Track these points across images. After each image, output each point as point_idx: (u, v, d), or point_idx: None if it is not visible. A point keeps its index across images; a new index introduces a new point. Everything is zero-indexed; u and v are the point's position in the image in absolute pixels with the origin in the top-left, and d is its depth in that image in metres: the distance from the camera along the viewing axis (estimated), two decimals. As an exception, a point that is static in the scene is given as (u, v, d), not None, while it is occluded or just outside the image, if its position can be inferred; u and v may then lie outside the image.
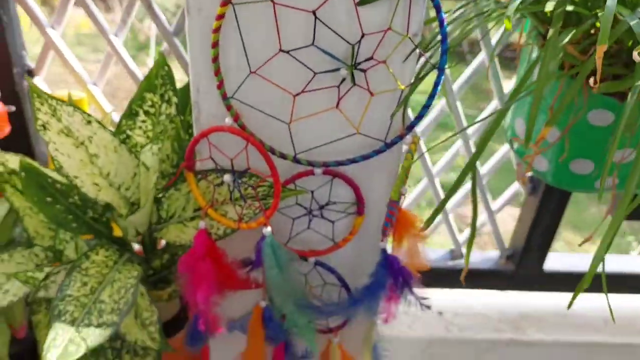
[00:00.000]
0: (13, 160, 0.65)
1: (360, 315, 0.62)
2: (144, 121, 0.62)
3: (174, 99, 0.62)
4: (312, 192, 0.58)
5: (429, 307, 0.60)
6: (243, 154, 0.54)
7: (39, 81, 0.80)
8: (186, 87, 0.66)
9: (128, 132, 0.62)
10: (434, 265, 1.09)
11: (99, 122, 0.58)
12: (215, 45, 0.48)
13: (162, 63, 0.62)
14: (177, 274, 0.66)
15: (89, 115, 0.57)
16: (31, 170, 0.57)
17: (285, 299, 0.57)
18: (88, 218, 0.60)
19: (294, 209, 0.59)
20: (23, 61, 0.78)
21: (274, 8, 0.47)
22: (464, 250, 1.05)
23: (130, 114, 0.61)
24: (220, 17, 0.47)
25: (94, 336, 0.50)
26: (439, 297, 1.13)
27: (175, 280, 0.67)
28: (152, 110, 0.62)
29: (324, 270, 0.63)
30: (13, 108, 0.69)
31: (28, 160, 0.57)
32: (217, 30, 0.47)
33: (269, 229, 0.55)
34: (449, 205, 1.03)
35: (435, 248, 1.09)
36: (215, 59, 0.49)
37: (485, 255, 1.08)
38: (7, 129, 0.66)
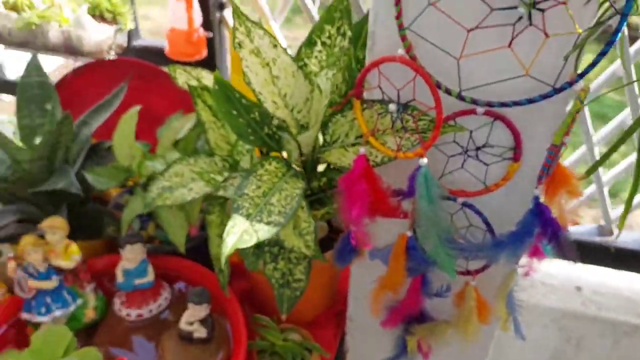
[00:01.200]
0: (207, 78, 0.75)
1: (501, 261, 0.63)
2: (320, 51, 0.67)
3: (349, 33, 0.67)
4: (471, 131, 0.60)
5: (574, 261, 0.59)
6: (409, 85, 0.57)
7: (227, 13, 0.89)
8: (360, 23, 0.70)
9: (305, 60, 0.68)
10: (580, 239, 1.04)
11: (283, 47, 0.64)
12: (401, -24, 0.51)
13: (343, -2, 0.66)
14: (334, 194, 0.72)
15: (275, 39, 0.64)
16: (223, 84, 0.66)
17: (432, 230, 0.60)
18: (264, 133, 0.68)
19: (450, 147, 0.61)
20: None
21: (462, -58, 0.48)
22: (614, 228, 0.99)
23: (309, 43, 0.67)
24: (411, -52, 0.49)
25: (264, 231, 0.57)
26: (580, 272, 1.08)
27: (328, 202, 0.73)
28: (328, 41, 0.67)
29: (471, 211, 0.65)
30: (210, 34, 0.78)
31: (220, 76, 0.66)
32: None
33: (425, 159, 0.58)
34: (605, 177, 0.98)
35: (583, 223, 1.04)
36: (399, -10, 0.52)
37: (637, 235, 1.01)
38: (204, 53, 0.76)
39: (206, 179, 0.69)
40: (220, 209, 0.77)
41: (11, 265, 0.73)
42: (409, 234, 0.65)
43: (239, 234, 0.56)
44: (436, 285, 0.71)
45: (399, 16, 0.53)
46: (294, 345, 0.76)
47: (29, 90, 0.86)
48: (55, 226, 0.72)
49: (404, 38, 0.54)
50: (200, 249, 0.83)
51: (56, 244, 0.73)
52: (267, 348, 0.77)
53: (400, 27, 0.53)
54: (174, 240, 0.79)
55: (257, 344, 0.76)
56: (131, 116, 0.80)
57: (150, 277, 0.77)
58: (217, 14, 0.88)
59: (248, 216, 0.58)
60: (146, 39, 1.01)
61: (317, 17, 0.87)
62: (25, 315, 0.75)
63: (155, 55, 0.95)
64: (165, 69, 0.97)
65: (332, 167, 0.71)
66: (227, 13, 0.90)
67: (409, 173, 0.61)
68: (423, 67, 0.55)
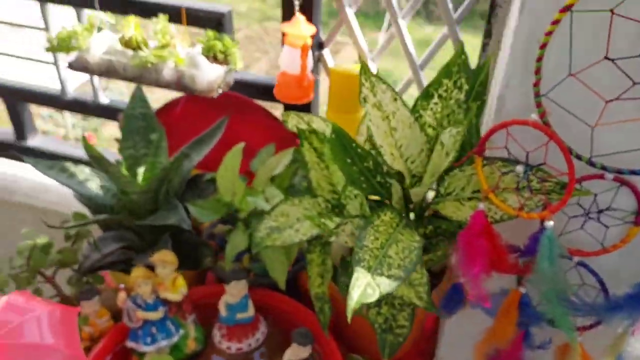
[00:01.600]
0: (317, 122, 0.77)
1: (614, 322, 0.63)
2: (436, 103, 0.68)
3: (465, 86, 0.68)
4: (596, 195, 0.60)
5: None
6: (538, 147, 0.57)
7: (326, 52, 0.91)
8: (474, 75, 0.70)
9: (421, 111, 0.69)
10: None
11: (402, 100, 0.65)
12: (543, 46, 0.51)
13: (461, 52, 0.67)
14: (439, 241, 0.73)
15: (396, 93, 0.65)
16: (340, 134, 0.67)
17: (550, 289, 0.60)
18: (375, 181, 0.69)
19: (572, 208, 0.61)
20: (318, 34, 0.89)
21: (611, 18, 0.49)
22: None
23: (426, 95, 0.68)
24: (556, 22, 0.50)
25: (385, 285, 0.58)
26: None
27: (433, 249, 0.73)
28: (444, 94, 0.68)
29: (585, 271, 0.65)
30: (317, 77, 0.80)
31: (338, 125, 0.67)
32: (549, 33, 0.51)
33: (551, 222, 0.58)
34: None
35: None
36: (540, 59, 0.52)
37: None
38: (312, 96, 0.78)
39: (316, 223, 0.71)
40: (322, 249, 0.79)
41: (122, 296, 0.76)
42: (523, 290, 0.65)
43: (362, 287, 0.58)
44: (539, 337, 0.71)
45: (537, 84, 0.53)
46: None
47: (133, 122, 0.90)
48: (167, 260, 0.75)
49: (539, 104, 0.54)
50: (290, 282, 0.85)
51: (165, 277, 0.76)
52: (361, 388, 0.78)
53: (537, 95, 0.54)
54: (274, 277, 0.81)
55: (354, 384, 0.77)
56: (236, 153, 0.82)
57: (251, 312, 0.79)
58: (316, 52, 0.90)
59: (369, 269, 0.59)
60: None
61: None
62: (131, 344, 0.78)
63: (245, 87, 0.98)
64: (256, 102, 1.00)
65: (440, 215, 0.71)
66: (326, 52, 0.91)
67: (529, 232, 0.62)
68: (556, 133, 0.55)
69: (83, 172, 0.87)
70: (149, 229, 0.85)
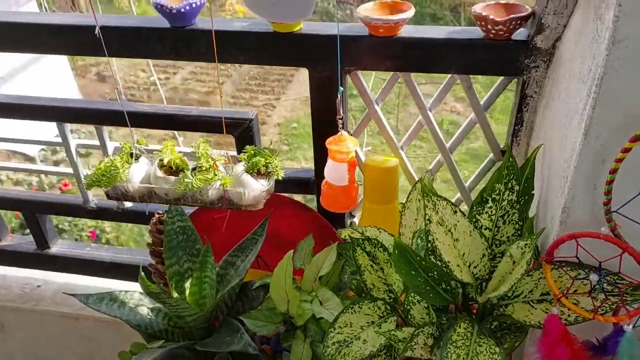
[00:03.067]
0: (370, 231, 0.78)
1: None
2: (490, 207, 0.70)
3: (516, 187, 0.69)
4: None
5: None
6: (611, 258, 0.59)
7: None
8: (523, 175, 0.72)
9: (477, 216, 0.70)
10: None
11: (460, 211, 0.67)
12: (614, 172, 0.53)
13: (509, 156, 0.69)
14: (502, 335, 0.74)
15: (455, 205, 0.67)
16: (403, 248, 0.68)
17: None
18: (440, 289, 0.70)
19: (643, 305, 0.63)
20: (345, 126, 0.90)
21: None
22: None
23: (480, 201, 0.70)
24: (627, 150, 0.52)
25: (477, 407, 0.59)
26: None
27: (498, 344, 0.75)
28: (497, 197, 0.70)
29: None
30: (360, 183, 0.81)
31: (400, 240, 0.68)
32: (620, 160, 0.53)
33: (630, 326, 0.60)
34: None
35: None
36: (610, 182, 0.54)
37: None
38: (358, 201, 0.79)
39: (387, 336, 0.71)
40: (387, 352, 0.79)
41: None
42: (601, 385, 0.67)
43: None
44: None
45: (607, 203, 0.55)
46: None
47: (174, 238, 0.90)
48: (238, 388, 0.75)
49: (609, 220, 0.56)
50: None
51: (237, 403, 0.76)
52: None
53: (608, 212, 0.56)
54: (344, 386, 0.81)
55: None
56: (287, 261, 0.83)
57: (324, 423, 0.79)
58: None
59: (459, 392, 0.60)
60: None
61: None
62: None
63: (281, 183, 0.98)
64: (287, 195, 1.00)
65: (500, 312, 0.72)
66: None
67: (599, 329, 0.63)
68: (629, 245, 0.57)
69: (133, 298, 0.87)
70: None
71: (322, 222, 0.99)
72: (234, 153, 0.96)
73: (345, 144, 0.74)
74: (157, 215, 1.05)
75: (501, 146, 0.88)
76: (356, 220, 1.05)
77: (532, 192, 0.72)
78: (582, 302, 0.63)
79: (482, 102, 0.83)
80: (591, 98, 0.52)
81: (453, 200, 0.97)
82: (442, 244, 0.66)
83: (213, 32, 0.75)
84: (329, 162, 0.76)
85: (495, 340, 0.73)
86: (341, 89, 0.73)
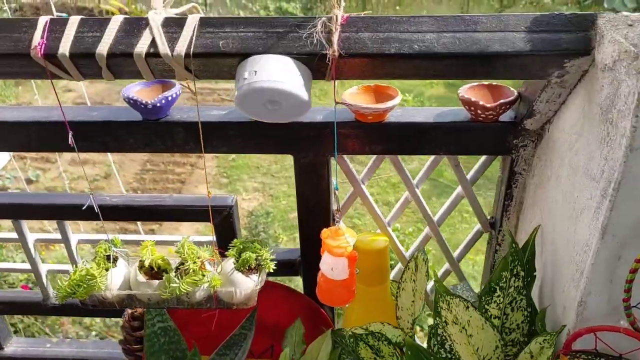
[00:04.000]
0: (374, 325, 0.75)
1: None
2: (498, 296, 0.69)
3: (522, 273, 0.69)
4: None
5: None
6: (632, 351, 0.59)
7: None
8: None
9: (486, 306, 0.69)
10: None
11: (472, 305, 0.65)
12: (634, 271, 0.53)
13: (512, 242, 0.68)
14: None
15: (466, 301, 0.65)
16: (415, 349, 0.65)
17: None
18: (454, 384, 0.68)
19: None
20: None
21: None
22: None
23: (489, 291, 0.68)
24: (644, 256, 0.52)
25: None
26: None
27: None
28: (504, 285, 0.68)
29: None
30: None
31: (412, 341, 0.66)
32: (635, 270, 0.53)
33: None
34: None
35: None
36: (630, 282, 0.54)
37: None
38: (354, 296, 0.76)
39: None
40: None
41: None
42: None
43: None
44: None
45: (627, 300, 0.55)
46: None
47: (155, 342, 0.83)
48: None
49: (629, 315, 0.56)
50: None
51: None
52: None
53: (627, 308, 0.56)
54: None
55: None
56: (283, 361, 0.78)
57: None
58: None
59: None
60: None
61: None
62: None
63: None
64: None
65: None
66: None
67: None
68: (650, 339, 0.57)
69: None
70: None
71: (311, 306, 0.95)
72: (209, 238, 0.91)
73: (343, 238, 0.71)
74: (129, 311, 0.98)
75: (488, 217, 0.88)
76: (343, 297, 1.02)
77: (534, 273, 0.72)
78: (602, 391, 0.62)
79: (468, 177, 0.83)
80: (608, 200, 0.52)
81: (441, 272, 0.96)
82: (459, 344, 0.64)
83: (200, 124, 0.70)
84: (326, 257, 0.72)
85: None
86: (335, 183, 0.71)
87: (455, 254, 0.92)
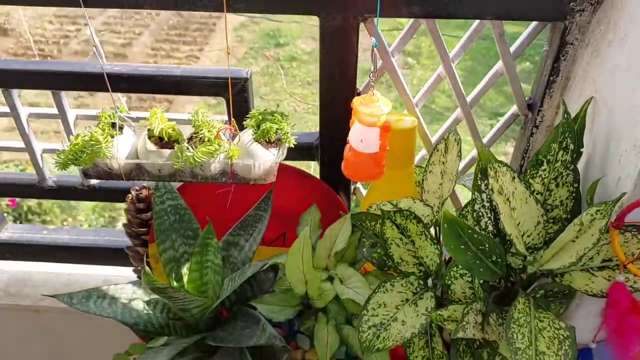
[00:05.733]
0: (404, 202, 0.70)
1: None
2: (544, 170, 0.63)
3: (571, 146, 0.63)
4: None
5: None
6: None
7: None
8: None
9: (530, 180, 0.64)
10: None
11: (519, 177, 0.60)
12: None
13: (565, 112, 0.62)
14: (548, 303, 0.69)
15: (513, 171, 0.60)
16: (453, 222, 0.61)
17: None
18: (490, 262, 0.64)
19: None
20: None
21: None
22: None
23: (535, 163, 0.63)
24: None
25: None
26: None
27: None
28: (551, 158, 0.63)
29: None
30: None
31: (451, 213, 0.61)
32: None
33: None
34: None
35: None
36: None
37: None
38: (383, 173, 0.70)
39: (433, 317, 0.65)
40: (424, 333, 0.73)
41: None
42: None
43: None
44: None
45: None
46: None
47: (165, 219, 0.78)
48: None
49: (700, 181, 0.51)
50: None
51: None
52: None
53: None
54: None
55: None
56: (303, 240, 0.73)
57: (355, 412, 0.72)
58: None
59: (533, 376, 0.55)
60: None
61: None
62: None
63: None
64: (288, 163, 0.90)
65: (550, 276, 0.67)
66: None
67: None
68: None
69: (124, 292, 0.75)
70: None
71: (326, 191, 0.89)
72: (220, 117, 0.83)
73: (377, 106, 0.64)
74: (133, 192, 0.92)
75: (526, 99, 0.81)
76: (360, 187, 0.97)
77: (582, 149, 0.67)
78: (649, 268, 0.59)
79: (512, 50, 0.76)
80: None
81: (468, 159, 0.91)
82: (504, 216, 0.59)
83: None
84: (357, 126, 0.66)
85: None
86: (374, 40, 0.63)
87: (485, 139, 0.86)
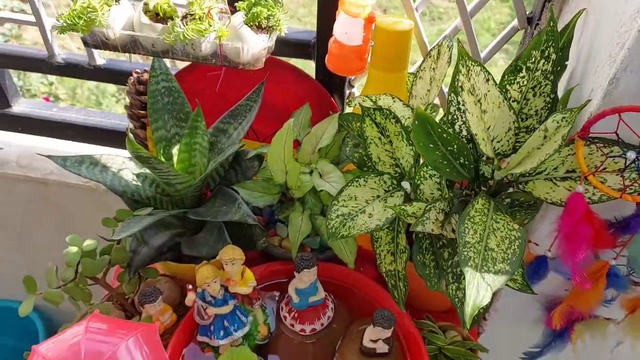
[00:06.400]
0: (384, 100, 0.71)
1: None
2: (523, 77, 0.63)
3: (553, 56, 0.63)
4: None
5: None
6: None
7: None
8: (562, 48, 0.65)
9: (507, 86, 0.64)
10: None
11: (493, 80, 0.60)
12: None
13: (551, 19, 0.61)
14: (514, 212, 0.72)
15: (488, 72, 0.60)
16: (424, 120, 0.62)
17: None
18: (457, 164, 0.66)
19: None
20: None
21: None
22: None
23: (514, 69, 0.63)
24: None
25: (495, 282, 0.57)
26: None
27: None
28: (532, 66, 0.63)
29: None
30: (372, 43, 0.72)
31: (423, 110, 0.62)
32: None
33: (658, 206, 0.57)
34: None
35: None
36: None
37: None
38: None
39: (397, 211, 0.68)
40: (390, 227, 0.77)
41: (191, 297, 0.73)
42: (613, 262, 0.66)
43: (475, 289, 0.56)
44: (611, 294, 0.74)
45: (669, 73, 0.50)
46: (461, 350, 0.80)
47: (159, 99, 0.81)
48: (236, 258, 0.71)
49: (664, 93, 0.51)
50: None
51: (234, 273, 0.73)
52: (434, 352, 0.80)
53: (667, 84, 0.50)
54: (345, 260, 0.79)
55: (428, 350, 0.79)
56: (286, 131, 0.76)
57: (321, 293, 0.77)
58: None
59: (476, 267, 0.58)
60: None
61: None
62: (202, 339, 0.76)
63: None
64: (283, 59, 0.91)
65: (519, 188, 0.69)
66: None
67: (620, 209, 0.61)
68: (680, 122, 0.53)
69: (115, 162, 0.79)
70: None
71: (320, 92, 0.91)
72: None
73: (365, -4, 0.64)
74: (135, 74, 0.95)
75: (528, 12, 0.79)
76: (356, 91, 0.98)
77: (566, 62, 0.66)
78: (609, 181, 0.60)
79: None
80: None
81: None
82: (472, 115, 0.60)
83: None
84: (342, 17, 0.66)
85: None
86: None
87: (483, 54, 0.85)
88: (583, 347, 0.83)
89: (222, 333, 0.75)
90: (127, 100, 0.96)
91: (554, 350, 0.86)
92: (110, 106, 2.49)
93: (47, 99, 2.92)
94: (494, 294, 0.85)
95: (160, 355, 0.64)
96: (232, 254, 0.71)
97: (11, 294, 1.54)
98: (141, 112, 0.95)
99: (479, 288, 0.57)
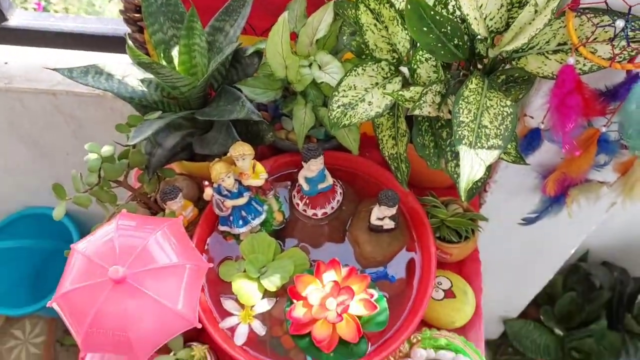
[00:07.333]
0: (376, -16, 0.71)
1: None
2: (515, -50, 0.62)
3: None
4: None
5: None
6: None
7: None
8: None
9: (499, -38, 0.63)
10: None
11: (484, -44, 0.60)
12: None
13: None
14: (508, 88, 0.74)
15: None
16: (416, 3, 0.62)
17: (635, 127, 0.64)
18: (452, 45, 0.67)
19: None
20: None
21: None
22: None
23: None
24: None
25: (488, 157, 0.61)
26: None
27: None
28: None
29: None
30: None
31: (414, -6, 0.62)
32: None
33: (647, 73, 0.59)
34: None
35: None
36: None
37: None
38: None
39: (395, 96, 0.70)
40: (390, 112, 0.79)
41: (208, 192, 0.78)
42: (604, 129, 0.69)
43: (469, 165, 0.60)
44: (602, 159, 0.78)
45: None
46: (462, 220, 0.86)
47: (152, 2, 0.81)
48: (246, 153, 0.76)
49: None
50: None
51: (245, 168, 0.77)
52: (437, 224, 0.87)
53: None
54: (348, 147, 0.83)
55: (431, 223, 0.85)
56: (282, 25, 0.76)
57: (329, 180, 0.83)
58: None
59: (470, 145, 0.62)
60: None
61: None
62: (224, 228, 0.83)
63: None
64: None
65: (512, 65, 0.71)
66: None
67: (616, 80, 0.63)
68: (669, -14, 0.53)
69: (119, 70, 0.81)
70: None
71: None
72: None
73: None
74: (126, -23, 0.93)
75: None
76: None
77: None
78: (599, 51, 0.61)
79: None
80: None
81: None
82: (462, -6, 0.61)
83: None
84: None
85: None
86: None
87: None
88: (578, 210, 0.89)
89: (241, 222, 0.82)
90: (122, 4, 0.95)
91: (551, 214, 0.92)
92: (103, 6, 2.43)
93: (38, 5, 2.84)
94: (492, 167, 0.90)
95: (187, 245, 0.71)
96: (241, 150, 0.76)
97: (43, 201, 1.63)
98: (136, 15, 0.94)
99: (472, 164, 0.61)
